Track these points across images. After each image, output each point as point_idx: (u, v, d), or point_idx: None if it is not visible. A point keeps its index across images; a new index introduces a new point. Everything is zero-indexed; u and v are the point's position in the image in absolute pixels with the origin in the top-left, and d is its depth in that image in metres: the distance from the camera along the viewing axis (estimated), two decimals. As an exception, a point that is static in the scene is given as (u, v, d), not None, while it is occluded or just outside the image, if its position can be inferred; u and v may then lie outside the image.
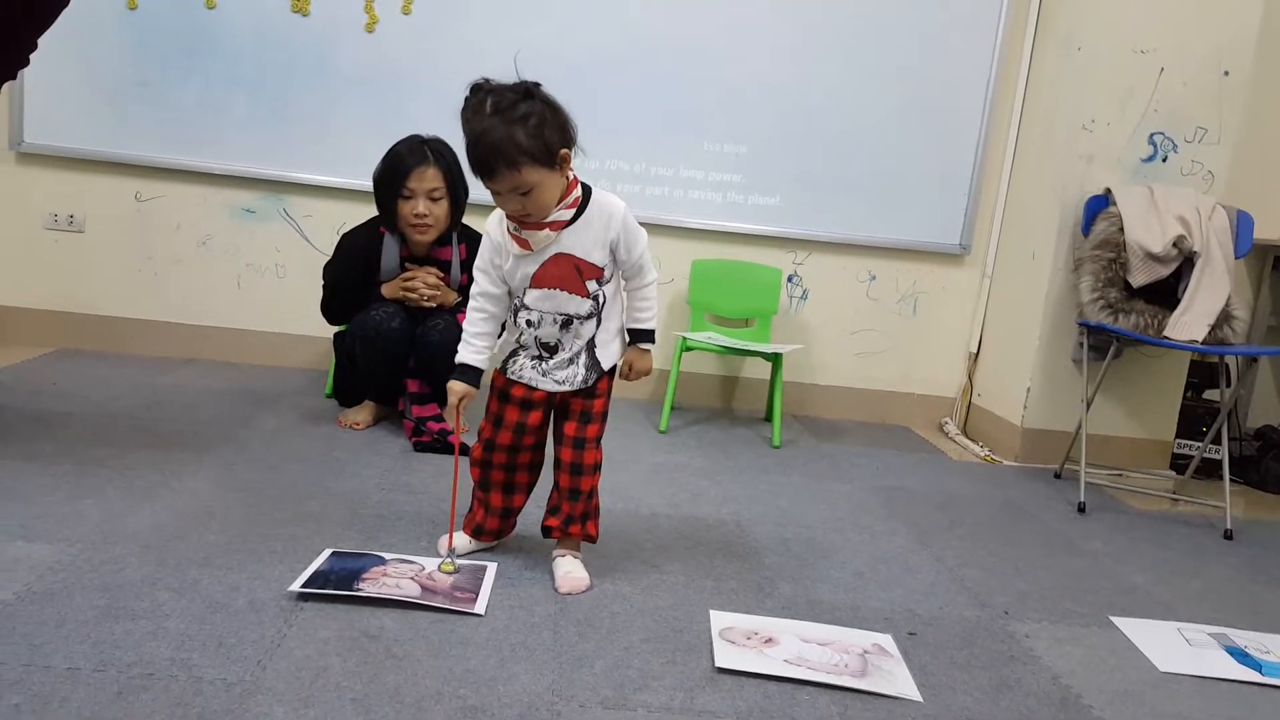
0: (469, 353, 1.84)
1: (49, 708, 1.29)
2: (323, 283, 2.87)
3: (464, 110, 1.65)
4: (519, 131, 1.61)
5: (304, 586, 1.69)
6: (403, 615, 1.67)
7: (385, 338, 2.67)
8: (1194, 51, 3.18)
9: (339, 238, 2.87)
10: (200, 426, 2.66)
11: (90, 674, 1.38)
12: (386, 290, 2.74)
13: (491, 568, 1.89)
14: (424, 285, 2.72)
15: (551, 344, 1.81)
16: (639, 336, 1.87)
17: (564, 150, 1.67)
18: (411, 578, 1.80)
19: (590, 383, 1.84)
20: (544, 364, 1.82)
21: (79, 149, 3.33)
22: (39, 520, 1.90)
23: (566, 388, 1.83)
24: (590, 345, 1.82)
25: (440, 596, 1.73)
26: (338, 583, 1.73)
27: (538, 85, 1.67)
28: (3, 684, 1.33)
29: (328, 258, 2.87)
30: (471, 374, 1.84)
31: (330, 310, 2.88)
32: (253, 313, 3.52)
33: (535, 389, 1.83)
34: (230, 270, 3.49)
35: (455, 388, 1.82)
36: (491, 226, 1.80)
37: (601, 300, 1.80)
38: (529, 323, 1.80)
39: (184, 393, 3.04)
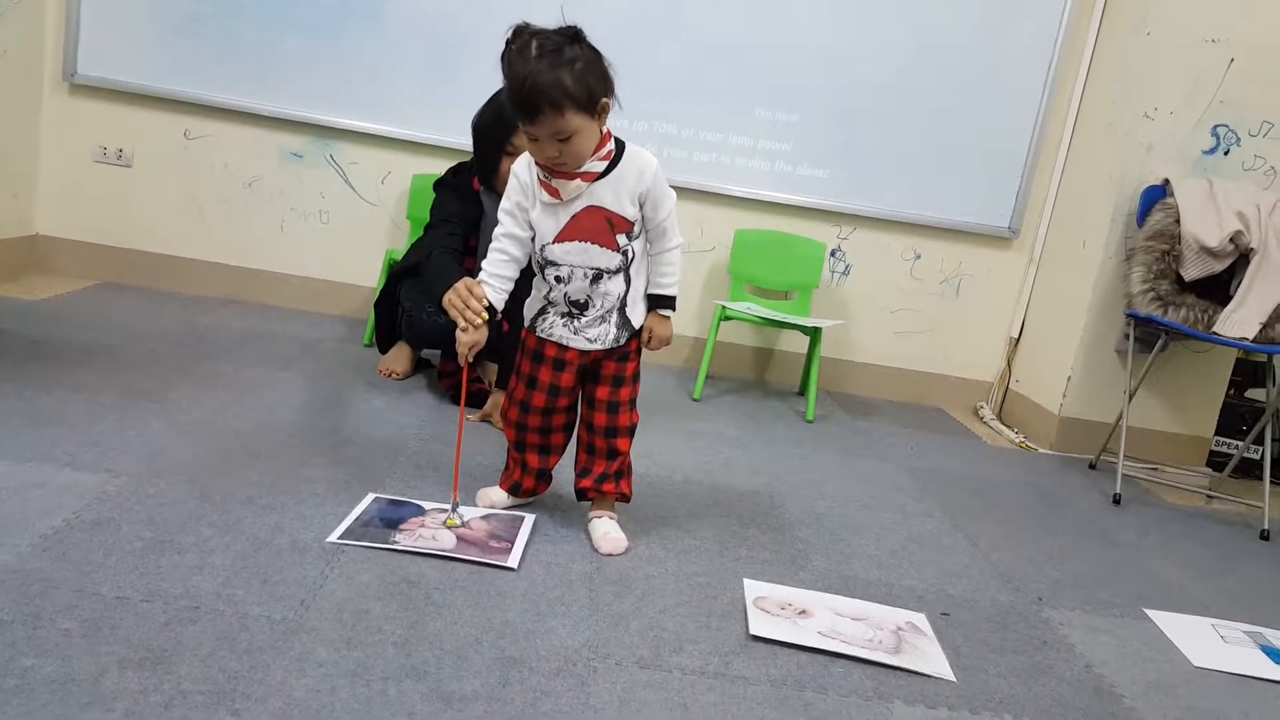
0: (486, 290, 1.78)
1: (99, 633, 1.32)
2: (404, 266, 2.72)
3: (506, 53, 1.62)
4: (566, 75, 1.59)
5: (340, 538, 1.71)
6: (441, 563, 1.68)
7: (436, 334, 2.59)
8: (1267, 43, 3.08)
9: (431, 211, 2.53)
10: (242, 367, 2.68)
11: (139, 603, 1.41)
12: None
13: (529, 519, 1.91)
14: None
15: (582, 300, 1.78)
16: (659, 302, 1.83)
17: (605, 99, 1.65)
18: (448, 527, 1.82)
19: (622, 341, 1.83)
20: (575, 321, 1.80)
21: (131, 83, 3.33)
22: (86, 449, 1.93)
23: (598, 346, 1.82)
24: (621, 305, 1.80)
25: (476, 549, 1.75)
26: (375, 534, 1.75)
27: (581, 31, 1.64)
28: (56, 609, 1.36)
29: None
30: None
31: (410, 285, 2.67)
32: (295, 257, 3.53)
33: (568, 348, 1.82)
34: (275, 213, 3.49)
35: (464, 339, 1.75)
36: (520, 168, 1.76)
37: (630, 255, 1.78)
38: (558, 279, 1.78)
39: (225, 333, 3.06)
